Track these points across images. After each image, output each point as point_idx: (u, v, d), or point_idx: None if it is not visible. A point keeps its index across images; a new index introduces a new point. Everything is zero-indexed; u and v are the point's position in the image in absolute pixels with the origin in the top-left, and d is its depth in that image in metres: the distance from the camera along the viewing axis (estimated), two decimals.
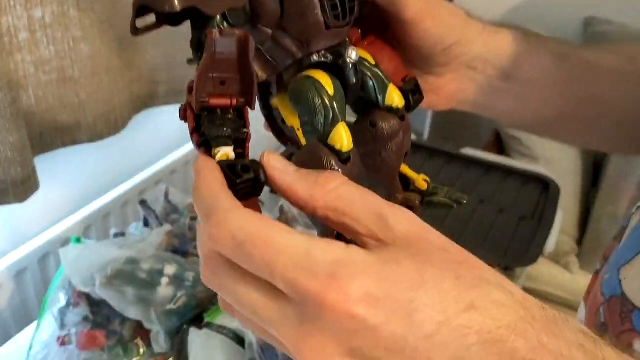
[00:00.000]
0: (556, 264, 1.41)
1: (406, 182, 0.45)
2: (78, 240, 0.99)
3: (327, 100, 0.39)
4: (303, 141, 0.43)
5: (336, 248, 0.28)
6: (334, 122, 0.38)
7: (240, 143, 0.37)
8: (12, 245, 1.03)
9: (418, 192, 0.45)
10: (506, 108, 0.53)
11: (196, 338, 0.84)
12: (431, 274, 0.28)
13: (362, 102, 0.42)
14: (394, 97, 0.42)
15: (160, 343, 0.85)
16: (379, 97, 0.42)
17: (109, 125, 1.08)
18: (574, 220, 1.45)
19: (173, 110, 1.23)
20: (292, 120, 0.44)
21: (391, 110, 0.42)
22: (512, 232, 1.10)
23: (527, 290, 1.18)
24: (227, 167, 0.34)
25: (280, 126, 0.46)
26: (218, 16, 0.37)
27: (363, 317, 0.26)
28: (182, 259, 0.91)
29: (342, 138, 0.38)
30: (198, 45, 0.37)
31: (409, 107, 0.44)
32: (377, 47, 0.46)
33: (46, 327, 0.92)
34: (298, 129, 0.44)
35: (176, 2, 0.34)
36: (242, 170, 0.34)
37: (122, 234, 0.97)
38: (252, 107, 0.38)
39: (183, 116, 0.38)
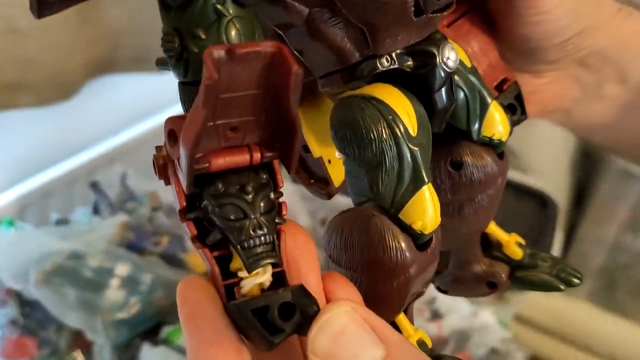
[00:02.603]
0: None
1: (487, 242, 0.31)
2: (11, 223, 0.83)
3: (406, 147, 0.24)
4: (336, 181, 0.29)
5: None
6: (415, 186, 0.24)
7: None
8: None
9: (507, 261, 0.31)
10: (608, 120, 0.40)
11: (150, 357, 0.69)
12: None
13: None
14: (497, 124, 0.28)
15: (105, 359, 0.70)
16: (473, 123, 0.27)
17: (59, 89, 0.92)
18: (558, 236, 1.37)
19: (134, 79, 1.06)
20: (320, 149, 0.29)
21: (490, 144, 0.28)
22: None
23: (520, 317, 1.06)
24: (257, 320, 0.21)
25: (302, 155, 0.31)
26: None
27: None
28: (137, 257, 0.77)
29: (427, 213, 0.24)
30: (182, 51, 0.21)
31: None
32: (463, 31, 0.30)
33: None
34: (329, 162, 0.29)
35: None
36: (283, 315, 0.21)
37: (66, 221, 0.82)
38: (291, 170, 0.22)
39: (161, 174, 0.23)
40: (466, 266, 0.31)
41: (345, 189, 0.30)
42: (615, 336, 1.30)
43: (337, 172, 0.30)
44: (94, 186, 0.83)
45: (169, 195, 0.85)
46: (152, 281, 0.75)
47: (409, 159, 0.24)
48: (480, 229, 0.30)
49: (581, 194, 1.44)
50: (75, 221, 0.82)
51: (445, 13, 0.25)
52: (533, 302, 1.33)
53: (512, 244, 0.31)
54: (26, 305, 0.73)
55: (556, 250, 1.08)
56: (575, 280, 0.30)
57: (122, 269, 0.75)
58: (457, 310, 0.83)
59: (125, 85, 1.06)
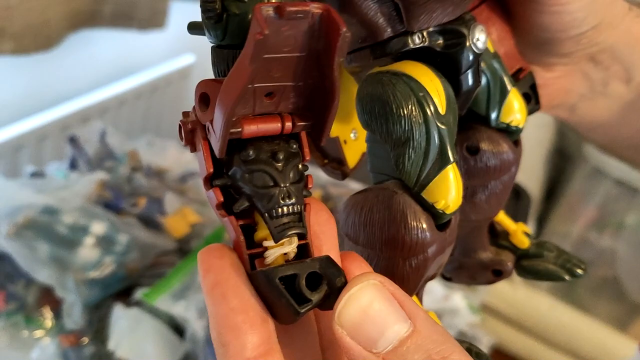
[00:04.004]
0: None
1: (494, 231, 0.31)
2: None
3: (435, 125, 0.23)
4: (351, 162, 0.29)
5: None
6: (441, 165, 0.24)
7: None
8: None
9: (513, 249, 0.31)
10: (610, 118, 0.40)
11: (122, 317, 0.68)
12: None
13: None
14: (515, 111, 0.28)
15: (74, 317, 0.69)
16: (492, 108, 0.27)
17: (38, 39, 0.89)
18: (531, 227, 1.39)
19: (116, 35, 1.03)
20: (337, 129, 0.29)
21: (507, 130, 0.28)
22: None
23: (486, 306, 1.08)
24: (284, 288, 0.20)
25: None
26: None
27: None
28: (114, 217, 0.75)
29: (450, 193, 0.24)
30: (222, 12, 0.20)
31: None
32: (482, 18, 0.29)
33: None
34: (344, 143, 0.29)
35: None
36: (309, 285, 0.21)
37: (41, 174, 0.79)
38: (322, 139, 0.22)
39: (188, 140, 0.22)
40: (472, 253, 0.30)
41: (359, 169, 0.30)
42: (573, 329, 1.33)
43: (352, 152, 0.29)
44: (72, 141, 0.80)
45: (149, 156, 0.83)
46: (128, 242, 0.73)
47: (437, 137, 0.23)
48: (490, 216, 0.29)
49: (552, 189, 1.46)
50: (51, 175, 0.79)
51: None
52: (499, 292, 1.35)
53: (520, 233, 0.31)
54: None
55: None
56: (579, 271, 0.30)
57: (98, 228, 0.72)
58: (431, 292, 0.83)
59: (107, 40, 1.03)
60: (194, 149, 0.22)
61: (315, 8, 0.19)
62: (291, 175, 0.21)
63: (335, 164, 0.30)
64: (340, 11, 0.23)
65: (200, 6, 0.21)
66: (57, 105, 0.98)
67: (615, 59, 0.36)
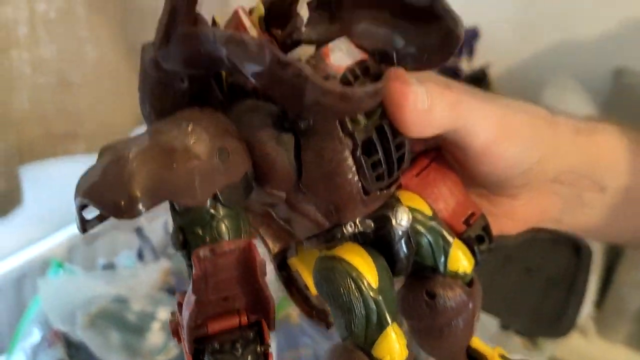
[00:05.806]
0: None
1: (474, 356, 0.34)
2: (60, 265, 0.87)
3: (369, 297, 0.29)
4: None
5: None
6: (381, 327, 0.29)
7: None
8: None
9: None
10: (599, 223, 0.41)
11: None
12: None
13: (414, 264, 0.32)
14: (461, 260, 0.32)
15: None
16: (439, 260, 0.32)
17: (108, 138, 0.97)
18: (593, 281, 1.36)
19: None
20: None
21: (456, 276, 0.32)
22: (541, 296, 1.01)
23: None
24: None
25: (304, 293, 0.36)
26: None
27: None
28: None
29: (394, 349, 0.29)
30: (184, 242, 0.27)
31: (475, 260, 0.33)
32: (430, 178, 0.34)
33: None
34: None
35: (139, 203, 0.24)
36: None
37: (112, 266, 0.86)
38: (271, 327, 0.28)
39: (175, 335, 0.29)
40: None
41: None
42: None
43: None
44: (139, 232, 0.87)
45: None
46: None
47: (373, 305, 0.29)
48: (462, 347, 0.33)
49: None
50: (120, 266, 0.86)
51: (392, 189, 0.30)
52: (570, 345, 1.31)
53: (496, 357, 0.33)
54: (72, 346, 0.77)
55: (591, 294, 1.07)
56: None
57: (164, 313, 0.78)
58: None
59: None
60: (180, 342, 0.28)
61: (240, 244, 0.25)
62: (249, 358, 0.27)
63: (322, 316, 0.35)
64: (291, 211, 0.30)
65: (170, 238, 0.28)
66: None
67: (580, 176, 0.37)
